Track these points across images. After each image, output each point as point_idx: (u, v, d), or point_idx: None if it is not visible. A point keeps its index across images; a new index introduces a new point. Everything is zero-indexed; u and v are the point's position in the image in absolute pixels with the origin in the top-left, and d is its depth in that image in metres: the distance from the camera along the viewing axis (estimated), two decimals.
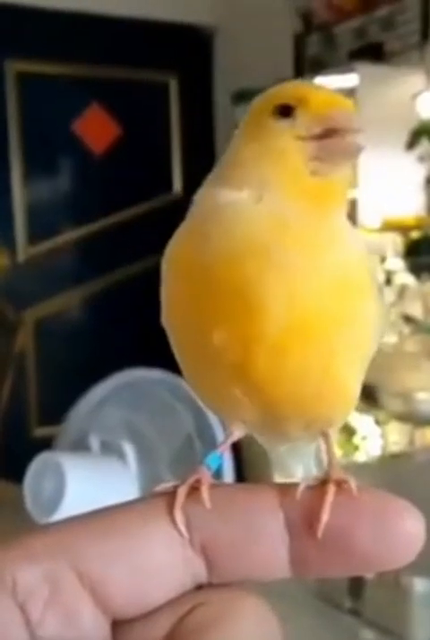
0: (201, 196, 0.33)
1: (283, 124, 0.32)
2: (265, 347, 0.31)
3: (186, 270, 0.32)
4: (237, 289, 0.30)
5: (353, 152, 0.31)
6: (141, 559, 0.27)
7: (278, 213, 0.31)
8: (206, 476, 0.30)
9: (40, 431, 3.43)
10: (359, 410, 2.91)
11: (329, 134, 0.31)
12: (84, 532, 0.27)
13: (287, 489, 0.28)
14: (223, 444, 0.34)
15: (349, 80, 2.97)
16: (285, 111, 0.32)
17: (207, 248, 0.31)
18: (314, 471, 0.39)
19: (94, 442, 1.77)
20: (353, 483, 0.29)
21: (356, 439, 3.01)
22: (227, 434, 0.35)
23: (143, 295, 3.61)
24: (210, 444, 1.45)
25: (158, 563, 0.27)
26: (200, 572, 0.27)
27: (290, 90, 0.33)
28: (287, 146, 0.31)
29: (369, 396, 2.86)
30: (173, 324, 0.34)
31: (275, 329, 0.30)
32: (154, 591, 0.27)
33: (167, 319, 0.34)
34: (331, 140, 0.31)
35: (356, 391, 0.34)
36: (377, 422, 2.98)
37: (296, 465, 0.39)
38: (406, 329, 2.89)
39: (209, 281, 0.31)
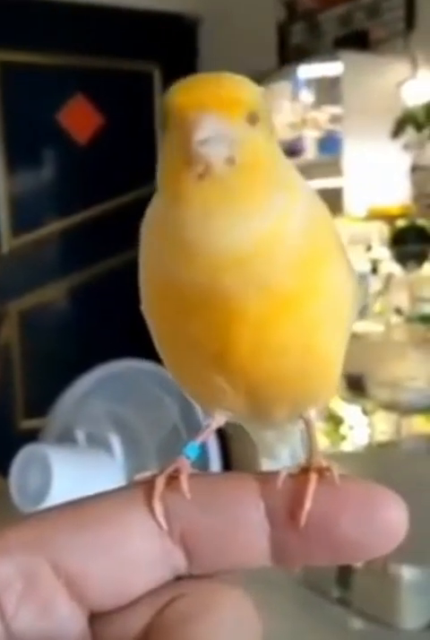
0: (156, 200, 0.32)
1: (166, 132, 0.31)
2: (244, 331, 0.30)
3: (157, 266, 0.32)
4: (211, 286, 0.30)
5: (205, 163, 0.29)
6: (118, 551, 0.26)
7: (199, 219, 0.29)
8: (185, 465, 0.29)
9: (26, 423, 3.42)
10: (346, 399, 2.92)
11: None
12: (60, 524, 0.27)
13: (268, 478, 0.28)
14: (202, 434, 0.34)
15: (334, 68, 2.97)
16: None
17: (173, 251, 0.30)
18: (301, 454, 0.38)
19: (80, 434, 1.77)
20: (335, 471, 0.28)
21: (344, 429, 3.02)
22: (206, 424, 0.34)
23: (129, 286, 3.59)
24: None
25: (136, 554, 0.26)
26: (179, 563, 0.27)
27: (167, 94, 0.31)
28: (167, 154, 0.30)
29: (356, 386, 2.87)
30: (152, 314, 0.33)
31: (252, 312, 0.30)
32: (132, 583, 0.26)
33: (146, 308, 0.33)
34: (186, 148, 0.29)
35: (339, 365, 0.34)
36: (364, 412, 2.99)
37: (283, 449, 0.39)
38: (393, 318, 2.90)
39: (181, 280, 0.30)
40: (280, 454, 0.39)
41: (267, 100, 0.32)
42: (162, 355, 0.34)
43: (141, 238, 0.33)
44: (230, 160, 0.29)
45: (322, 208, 0.33)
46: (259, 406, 0.33)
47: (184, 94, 0.30)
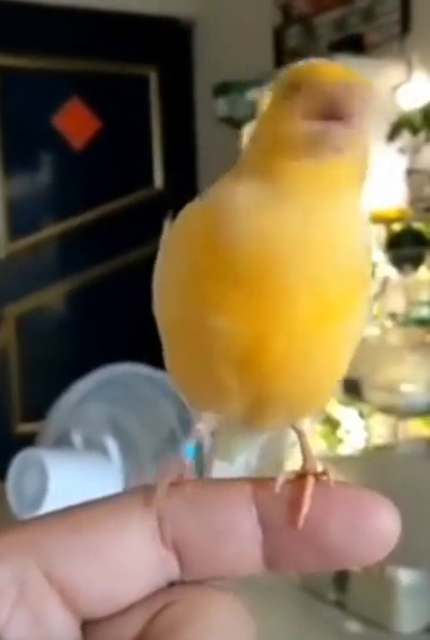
0: (228, 178, 0.31)
1: (286, 103, 0.30)
2: (284, 336, 0.30)
3: (203, 245, 0.30)
4: (262, 275, 0.29)
5: (343, 147, 0.30)
6: (111, 557, 0.26)
7: (294, 204, 0.29)
8: (187, 468, 0.29)
9: (23, 427, 3.42)
10: (343, 403, 2.92)
11: (331, 113, 0.30)
12: (53, 529, 0.26)
13: (263, 483, 0.28)
14: (195, 435, 0.33)
15: None
16: (295, 89, 0.31)
17: (233, 229, 0.30)
18: (254, 463, 0.39)
19: (77, 438, 1.77)
20: (331, 476, 0.28)
21: (341, 432, 3.01)
22: (197, 426, 0.33)
23: (125, 289, 3.59)
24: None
25: (129, 560, 0.26)
26: (173, 569, 0.27)
27: (300, 67, 0.31)
28: (283, 128, 0.30)
29: (353, 389, 2.87)
30: (170, 307, 0.32)
31: (298, 319, 0.30)
32: (125, 590, 0.26)
33: (163, 301, 0.32)
34: (326, 127, 0.30)
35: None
36: (361, 415, 2.99)
37: (241, 454, 0.38)
38: (389, 322, 2.90)
39: (230, 260, 0.29)
40: (236, 459, 0.38)
41: None
42: (170, 350, 0.33)
43: (189, 215, 0.32)
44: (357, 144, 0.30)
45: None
46: (258, 413, 0.32)
47: (330, 67, 0.31)
